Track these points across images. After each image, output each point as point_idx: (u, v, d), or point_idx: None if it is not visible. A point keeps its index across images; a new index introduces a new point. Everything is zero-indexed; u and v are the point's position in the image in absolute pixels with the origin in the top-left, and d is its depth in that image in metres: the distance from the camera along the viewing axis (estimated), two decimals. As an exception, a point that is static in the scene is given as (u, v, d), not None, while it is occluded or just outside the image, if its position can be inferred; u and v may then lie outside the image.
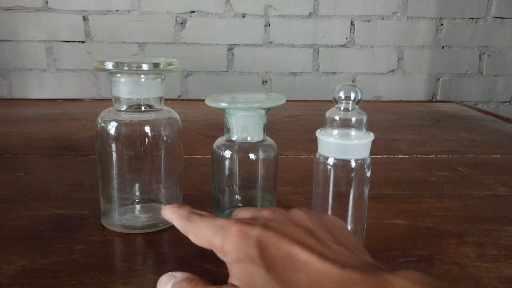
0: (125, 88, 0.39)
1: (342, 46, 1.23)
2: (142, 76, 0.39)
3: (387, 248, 0.39)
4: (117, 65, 0.37)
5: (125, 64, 0.37)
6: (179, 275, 0.27)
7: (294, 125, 0.89)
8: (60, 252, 0.37)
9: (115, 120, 0.39)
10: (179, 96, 1.24)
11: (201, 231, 0.28)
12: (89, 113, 0.96)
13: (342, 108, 0.34)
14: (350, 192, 0.35)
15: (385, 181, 0.56)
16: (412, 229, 0.42)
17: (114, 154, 0.40)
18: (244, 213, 0.31)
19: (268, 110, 0.39)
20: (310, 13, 1.20)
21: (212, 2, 1.17)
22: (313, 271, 0.23)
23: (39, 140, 0.73)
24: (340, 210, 0.35)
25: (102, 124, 0.40)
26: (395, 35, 1.23)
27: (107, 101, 1.03)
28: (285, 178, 0.56)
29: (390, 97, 1.27)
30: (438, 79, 1.28)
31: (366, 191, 0.36)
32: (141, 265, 0.35)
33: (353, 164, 0.34)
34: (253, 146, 0.40)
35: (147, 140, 0.40)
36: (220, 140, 0.41)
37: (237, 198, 0.42)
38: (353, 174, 0.34)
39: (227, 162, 0.40)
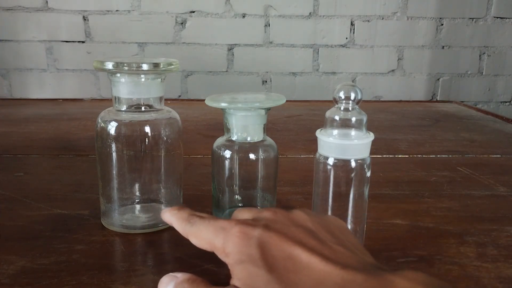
0: (125, 88, 0.39)
1: (342, 46, 1.23)
2: (142, 76, 0.39)
3: (387, 248, 0.39)
4: (117, 65, 0.37)
5: (125, 64, 0.37)
6: (180, 276, 0.27)
7: (294, 125, 0.89)
8: (60, 252, 0.37)
9: (115, 120, 0.39)
10: (179, 96, 1.24)
11: (202, 233, 0.27)
12: (89, 113, 0.96)
13: (342, 108, 0.34)
14: (350, 192, 0.35)
15: (385, 181, 0.56)
16: (412, 229, 0.42)
17: (114, 154, 0.40)
18: (245, 214, 0.30)
19: (268, 110, 0.39)
20: (310, 13, 1.20)
21: (212, 2, 1.18)
22: (315, 272, 0.23)
23: (39, 140, 0.73)
24: (340, 210, 0.35)
25: (102, 124, 0.40)
26: (395, 35, 1.23)
27: (107, 101, 1.03)
28: (285, 178, 0.56)
29: (390, 97, 1.27)
30: (438, 79, 1.28)
31: (366, 191, 0.36)
32: (141, 265, 0.35)
33: (353, 164, 0.34)
34: (253, 146, 0.40)
35: (147, 140, 0.40)
36: (220, 140, 0.40)
37: (237, 198, 0.42)
38: (353, 174, 0.34)
39: (227, 162, 0.40)
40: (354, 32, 1.22)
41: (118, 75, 0.38)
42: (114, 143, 0.39)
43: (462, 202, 0.49)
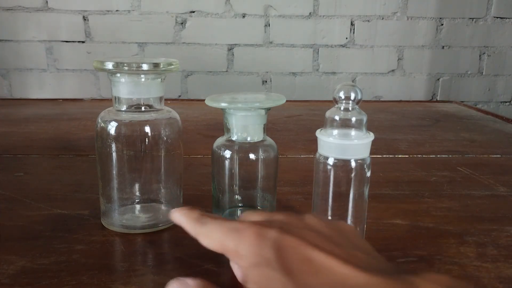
0: (125, 88, 0.39)
1: (342, 46, 1.23)
2: (142, 76, 0.39)
3: (387, 248, 0.39)
4: (117, 65, 0.37)
5: (125, 64, 0.37)
6: (191, 282, 0.25)
7: (294, 125, 0.89)
8: (60, 252, 0.37)
9: (115, 120, 0.39)
10: (179, 96, 1.24)
11: (214, 233, 0.26)
12: (89, 113, 0.96)
13: (342, 108, 0.34)
14: (350, 192, 0.35)
15: (385, 181, 0.56)
16: (412, 229, 0.42)
17: (114, 154, 0.40)
18: (255, 216, 0.29)
19: (268, 110, 0.39)
20: (310, 13, 1.20)
21: (212, 2, 1.17)
22: (335, 275, 0.23)
23: (39, 140, 0.73)
24: (340, 210, 0.35)
25: (102, 124, 0.40)
26: (395, 35, 1.23)
27: (107, 101, 1.03)
28: (285, 178, 0.56)
29: (390, 97, 1.27)
30: (438, 79, 1.28)
31: (366, 191, 0.36)
32: (141, 265, 0.35)
33: (353, 164, 0.34)
34: (253, 146, 0.40)
35: (147, 140, 0.40)
36: (220, 140, 0.40)
37: (237, 198, 0.42)
38: (353, 174, 0.34)
39: (227, 162, 0.40)
40: (354, 32, 1.22)
41: (118, 75, 0.38)
42: (114, 143, 0.39)
43: (462, 202, 0.49)
